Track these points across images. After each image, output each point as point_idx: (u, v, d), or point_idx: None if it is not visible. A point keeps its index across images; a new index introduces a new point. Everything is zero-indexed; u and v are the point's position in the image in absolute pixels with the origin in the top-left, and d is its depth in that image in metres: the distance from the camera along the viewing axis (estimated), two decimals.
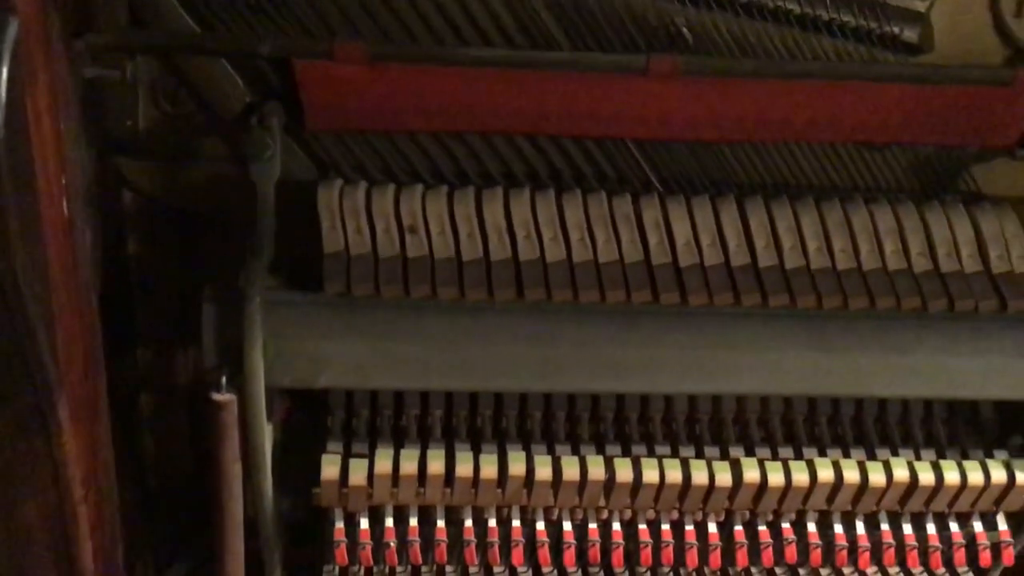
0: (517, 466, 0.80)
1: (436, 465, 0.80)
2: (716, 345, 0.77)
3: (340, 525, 0.81)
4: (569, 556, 0.83)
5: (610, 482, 0.81)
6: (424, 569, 0.84)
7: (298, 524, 0.87)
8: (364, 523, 0.81)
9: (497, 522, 0.82)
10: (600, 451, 0.82)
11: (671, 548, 0.83)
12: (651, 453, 0.82)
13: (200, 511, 0.85)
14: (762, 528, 0.84)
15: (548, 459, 0.81)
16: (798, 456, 0.83)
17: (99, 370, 0.60)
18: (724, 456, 0.82)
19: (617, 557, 0.83)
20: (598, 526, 0.83)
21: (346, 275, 0.75)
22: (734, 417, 0.84)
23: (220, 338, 0.74)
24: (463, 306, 0.76)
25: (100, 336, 0.60)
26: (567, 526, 0.83)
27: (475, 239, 0.77)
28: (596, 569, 0.85)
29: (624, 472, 0.80)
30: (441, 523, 0.82)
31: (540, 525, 0.83)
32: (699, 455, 0.82)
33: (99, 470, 0.61)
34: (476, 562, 0.83)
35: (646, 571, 0.85)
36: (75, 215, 0.55)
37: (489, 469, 0.80)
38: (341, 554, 0.81)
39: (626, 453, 0.82)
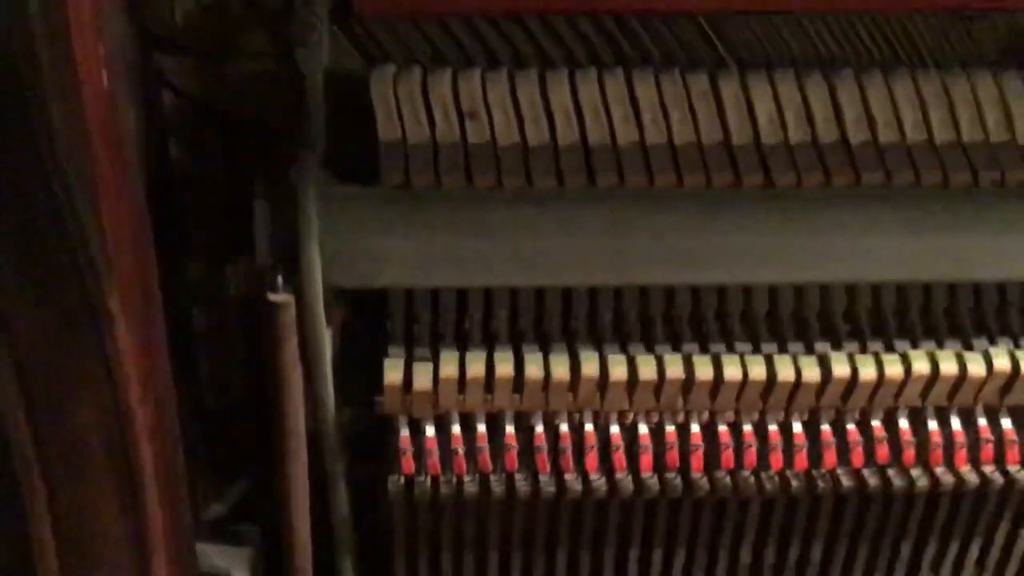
0: (589, 367, 0.76)
1: (504, 368, 0.75)
2: (803, 230, 0.71)
3: (405, 433, 0.77)
4: (645, 461, 0.78)
5: (689, 381, 0.76)
6: (493, 477, 0.80)
7: (360, 436, 0.83)
8: (430, 431, 0.77)
9: (569, 428, 0.78)
10: (677, 349, 0.78)
11: (753, 450, 0.79)
12: (731, 351, 0.78)
13: (258, 429, 0.82)
14: (850, 427, 0.79)
15: (622, 359, 0.76)
16: (889, 349, 0.77)
17: (150, 263, 0.56)
18: (809, 352, 0.77)
19: (696, 461, 0.78)
20: (676, 429, 0.78)
21: (404, 165, 0.70)
22: (819, 311, 0.79)
23: (274, 237, 0.70)
24: (529, 195, 0.71)
25: (150, 227, 0.56)
26: (643, 430, 0.78)
27: (540, 124, 0.71)
28: (673, 475, 0.80)
29: (704, 370, 0.76)
30: (510, 429, 0.78)
31: (614, 429, 0.78)
32: (782, 351, 0.78)
33: (156, 372, 0.57)
34: (548, 469, 0.79)
35: (726, 475, 0.80)
36: (117, 90, 0.51)
37: (560, 371, 0.75)
38: (407, 463, 0.77)
39: (704, 351, 0.78)
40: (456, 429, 0.77)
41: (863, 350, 0.77)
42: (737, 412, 0.78)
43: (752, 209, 0.71)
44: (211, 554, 0.87)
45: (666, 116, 0.71)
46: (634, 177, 0.70)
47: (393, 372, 0.75)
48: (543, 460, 0.78)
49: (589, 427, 0.78)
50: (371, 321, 0.80)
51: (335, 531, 0.85)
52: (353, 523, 0.86)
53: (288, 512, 0.79)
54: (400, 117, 0.71)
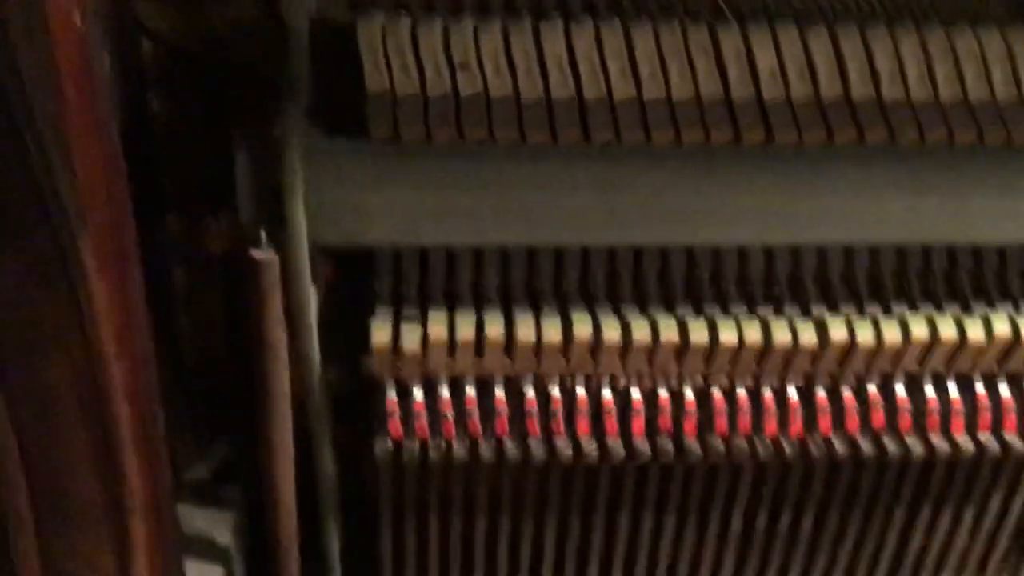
0: (582, 329, 0.74)
1: (494, 330, 0.73)
2: (804, 190, 0.69)
3: (392, 396, 0.75)
4: (638, 425, 0.77)
5: (683, 345, 0.74)
6: (482, 442, 0.78)
7: (346, 397, 0.81)
8: (418, 393, 0.75)
9: (560, 391, 0.76)
10: (671, 312, 0.76)
11: (748, 416, 0.77)
12: (726, 314, 0.76)
13: (240, 389, 0.79)
14: (846, 393, 0.77)
15: (616, 321, 0.74)
16: (887, 314, 0.76)
17: (126, 215, 0.54)
18: (806, 315, 0.76)
19: (690, 426, 0.77)
20: (669, 394, 0.77)
21: (393, 118, 0.68)
22: (816, 274, 0.77)
23: (256, 191, 0.67)
24: (522, 151, 0.68)
25: (125, 178, 0.53)
26: (636, 394, 0.77)
27: (534, 76, 0.69)
28: (666, 440, 0.79)
29: (698, 333, 0.74)
30: (500, 393, 0.76)
31: (606, 393, 0.77)
32: (778, 315, 0.76)
33: (133, 328, 0.55)
34: (538, 434, 0.77)
35: (719, 441, 0.79)
36: (90, 33, 0.48)
37: (552, 333, 0.74)
38: (394, 426, 0.75)
39: (699, 314, 0.76)
40: (445, 392, 0.75)
41: (861, 314, 0.76)
42: (731, 377, 0.77)
43: (751, 167, 0.69)
44: (193, 517, 0.86)
45: (664, 70, 0.69)
46: (630, 133, 0.68)
47: (380, 333, 0.73)
48: (533, 424, 0.76)
49: (581, 391, 0.76)
50: (358, 279, 0.78)
51: (320, 494, 0.83)
52: (339, 486, 0.84)
53: (272, 475, 0.77)
54: (388, 68, 0.69)
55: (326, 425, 0.79)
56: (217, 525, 0.85)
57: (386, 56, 0.69)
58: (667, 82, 0.69)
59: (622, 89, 0.69)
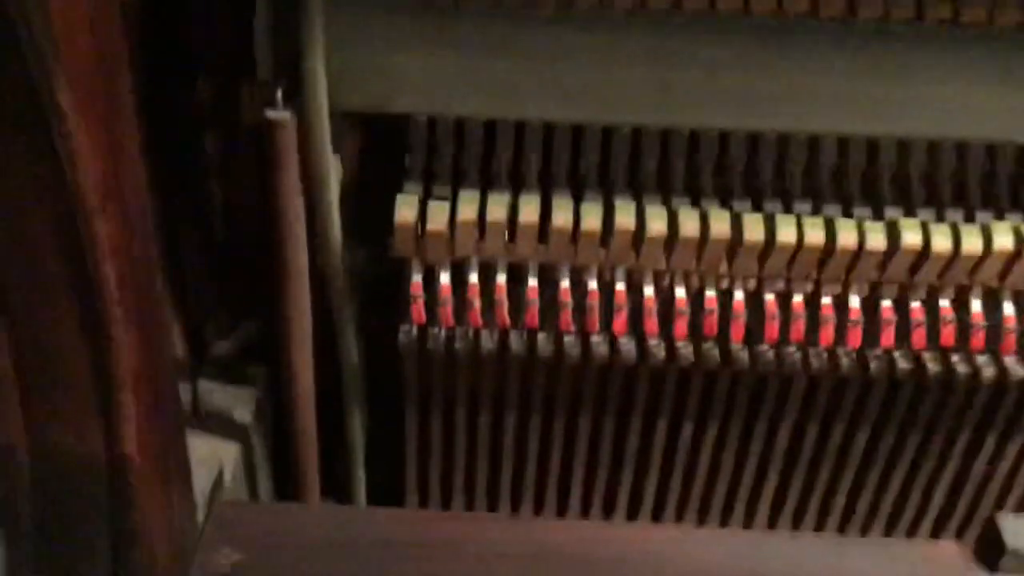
0: (625, 218, 0.67)
1: (529, 212, 0.67)
2: (887, 74, 0.61)
3: (418, 279, 0.70)
4: (681, 327, 0.71)
5: (736, 242, 0.68)
6: (513, 334, 0.73)
7: (377, 281, 0.76)
8: (445, 278, 0.70)
9: (598, 285, 0.70)
10: (726, 205, 0.69)
11: (802, 324, 0.71)
12: (788, 210, 0.69)
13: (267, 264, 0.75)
14: (915, 305, 0.70)
15: (663, 211, 0.68)
16: (970, 220, 0.68)
17: (116, 53, 0.48)
18: (878, 217, 0.68)
19: (737, 330, 0.71)
20: (717, 295, 0.70)
21: None
22: (894, 172, 0.69)
23: (276, 48, 0.62)
24: (570, 15, 0.61)
25: (117, 12, 0.48)
26: (680, 293, 0.70)
27: None
28: (710, 344, 0.73)
29: (753, 230, 0.67)
30: (533, 282, 0.70)
31: (648, 290, 0.71)
32: (846, 215, 0.68)
33: (122, 179, 0.50)
34: (572, 329, 0.71)
35: (770, 349, 0.72)
36: None
37: (591, 220, 0.67)
38: (418, 311, 0.71)
39: (757, 209, 0.69)
40: (474, 278, 0.70)
41: (939, 220, 0.68)
42: (788, 280, 0.70)
43: (828, 46, 0.61)
44: (215, 393, 0.83)
45: None
46: None
47: (406, 209, 0.68)
48: (567, 318, 0.71)
49: (621, 286, 0.70)
50: (391, 153, 0.72)
51: (344, 380, 0.79)
52: (368, 374, 0.80)
53: (289, 353, 0.73)
54: None
55: (351, 308, 0.74)
56: (238, 402, 0.82)
57: None
58: None
59: None
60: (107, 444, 0.56)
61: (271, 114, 0.61)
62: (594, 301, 0.70)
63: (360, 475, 0.85)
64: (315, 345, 0.75)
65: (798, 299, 0.70)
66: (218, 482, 0.75)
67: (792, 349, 0.72)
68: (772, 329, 0.70)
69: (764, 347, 0.73)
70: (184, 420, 0.65)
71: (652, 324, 0.71)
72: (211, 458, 0.76)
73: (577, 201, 0.68)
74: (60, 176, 0.47)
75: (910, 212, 0.68)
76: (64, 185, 0.47)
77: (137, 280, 0.54)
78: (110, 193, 0.50)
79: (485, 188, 0.69)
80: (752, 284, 0.71)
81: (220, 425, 0.80)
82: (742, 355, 0.73)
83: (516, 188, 0.69)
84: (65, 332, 0.53)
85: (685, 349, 0.73)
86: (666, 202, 0.69)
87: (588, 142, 0.69)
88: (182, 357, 0.82)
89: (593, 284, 0.70)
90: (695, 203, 0.69)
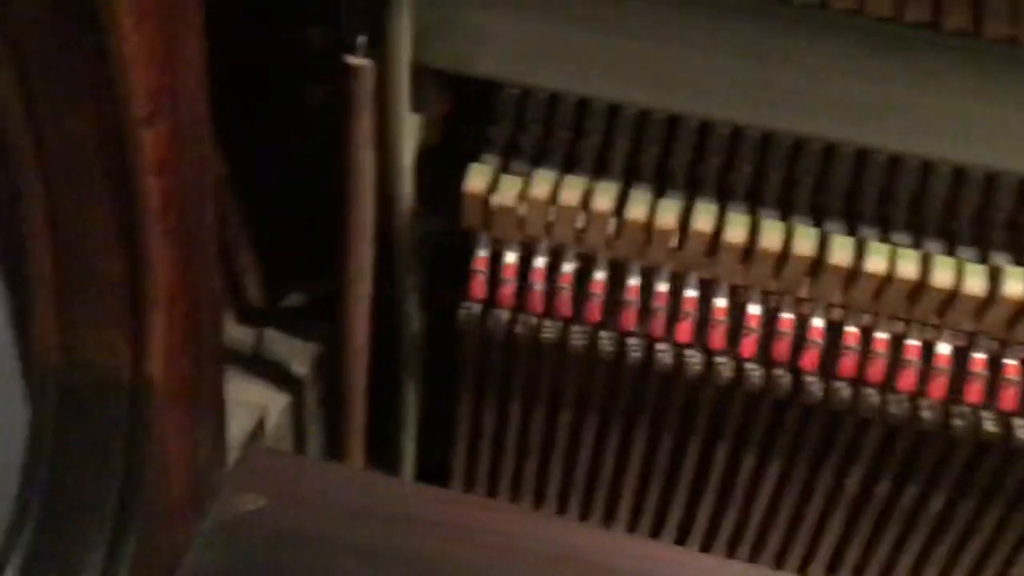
0: (704, 220, 0.63)
1: (604, 200, 0.64)
2: (1018, 101, 0.55)
3: (483, 254, 0.68)
4: (749, 344, 0.66)
5: (820, 262, 0.63)
6: (575, 327, 0.69)
7: (446, 253, 0.74)
8: (511, 257, 0.68)
9: (668, 288, 0.67)
10: (817, 223, 0.64)
11: (883, 363, 0.65)
12: (884, 238, 0.63)
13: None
14: (1010, 362, 0.64)
15: (745, 218, 0.63)
16: None
17: None
18: (982, 260, 0.62)
19: (810, 358, 0.66)
20: (794, 317, 0.66)
21: None
22: (1009, 214, 0.63)
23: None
24: None
25: None
26: (753, 309, 0.66)
27: None
28: (781, 371, 0.68)
29: (841, 253, 0.62)
30: (601, 275, 0.67)
31: (720, 302, 0.66)
32: (950, 253, 0.63)
33: (176, 92, 0.49)
34: (635, 329, 0.68)
35: (846, 386, 0.67)
36: None
37: (667, 217, 0.64)
38: (479, 286, 0.68)
39: (851, 233, 0.64)
40: (541, 261, 0.67)
41: None
42: (875, 315, 0.65)
43: (951, 62, 0.56)
44: (275, 342, 0.82)
45: None
46: None
47: (478, 179, 0.65)
48: (630, 317, 0.67)
49: (691, 292, 0.66)
50: (477, 119, 0.69)
51: (402, 350, 0.77)
52: (428, 348, 0.78)
53: (345, 313, 0.72)
54: None
55: (415, 274, 0.73)
56: (296, 355, 0.82)
57: None
58: None
59: None
60: (133, 362, 0.56)
61: (350, 60, 0.60)
62: (661, 304, 0.66)
63: (408, 449, 0.84)
64: (376, 310, 0.73)
65: (882, 336, 0.65)
66: (258, 428, 0.74)
67: (870, 390, 0.67)
68: (849, 364, 0.65)
69: (840, 383, 0.67)
70: (223, 354, 0.64)
71: (719, 338, 0.66)
72: (257, 403, 0.76)
73: (657, 195, 0.64)
74: (107, 80, 0.46)
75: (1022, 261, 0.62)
76: (111, 90, 0.46)
77: (184, 200, 0.53)
78: (160, 105, 0.49)
79: (565, 170, 0.66)
80: (834, 313, 0.65)
81: (275, 374, 0.80)
82: (815, 388, 0.68)
83: (598, 174, 0.66)
84: (104, 241, 0.52)
85: (755, 371, 0.68)
86: (752, 211, 0.64)
87: (681, 136, 0.65)
88: (253, 299, 0.82)
89: (663, 287, 0.66)
90: (785, 217, 0.64)
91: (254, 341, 0.83)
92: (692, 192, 0.65)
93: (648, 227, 0.63)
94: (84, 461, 0.58)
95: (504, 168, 0.67)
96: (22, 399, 0.61)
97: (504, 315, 0.70)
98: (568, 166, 0.67)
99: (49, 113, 0.49)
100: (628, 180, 0.66)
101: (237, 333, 0.81)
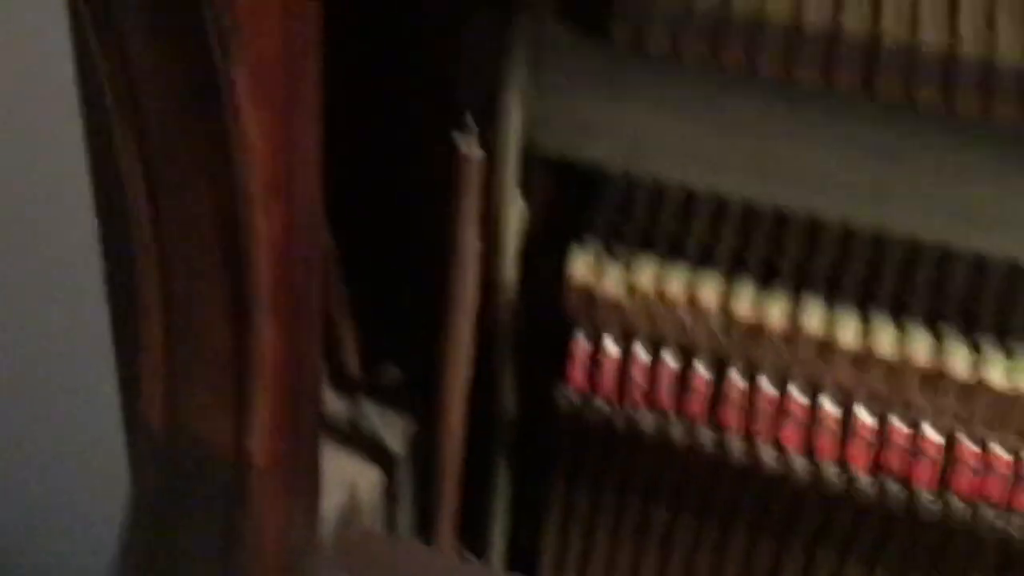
0: (812, 320, 0.61)
1: (710, 294, 0.62)
2: None
3: (583, 341, 0.67)
4: (860, 452, 0.63)
5: (938, 373, 0.60)
6: (672, 419, 0.67)
7: (544, 333, 0.73)
8: (612, 346, 0.66)
9: (779, 388, 0.64)
10: (934, 332, 0.61)
11: (1002, 482, 0.61)
12: (1009, 354, 0.60)
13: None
14: None
15: (856, 323, 0.61)
16: None
17: (308, 46, 0.48)
18: None
19: (924, 473, 0.62)
20: (907, 426, 0.62)
21: (644, 20, 0.58)
22: None
23: (477, 74, 0.61)
24: (795, 91, 0.57)
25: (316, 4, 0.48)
26: (866, 418, 0.63)
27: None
28: (895, 485, 0.64)
29: (959, 365, 0.59)
30: (704, 369, 0.65)
31: (830, 407, 0.63)
32: None
33: (292, 176, 0.50)
34: (736, 429, 0.65)
35: (967, 508, 0.63)
36: None
37: (775, 315, 0.62)
38: (579, 375, 0.67)
39: (973, 351, 0.60)
40: (641, 352, 0.66)
41: None
42: (998, 429, 0.61)
43: None
44: (371, 414, 0.82)
45: (992, 23, 0.54)
46: (926, 91, 0.54)
47: (581, 263, 0.64)
48: (733, 417, 0.65)
49: (801, 398, 0.63)
50: (579, 201, 0.69)
51: (496, 432, 0.76)
52: (522, 430, 0.77)
53: (441, 394, 0.71)
54: None
55: (513, 357, 0.72)
56: (391, 431, 0.81)
57: None
58: (992, 39, 0.54)
59: (933, 35, 0.54)
60: (235, 435, 0.56)
61: (459, 138, 0.60)
62: (767, 405, 0.64)
63: (499, 531, 0.82)
64: (471, 391, 0.72)
65: (1005, 456, 0.61)
66: (351, 504, 0.74)
67: (988, 509, 0.63)
68: (965, 480, 0.61)
69: (958, 501, 0.64)
70: (320, 431, 0.64)
71: (827, 446, 0.64)
72: (350, 479, 0.75)
73: (764, 290, 0.62)
74: (224, 155, 0.47)
75: None
76: (229, 173, 0.47)
77: (294, 279, 0.54)
78: (276, 187, 0.49)
79: (670, 259, 0.65)
80: (955, 427, 0.62)
81: (369, 449, 0.79)
82: (930, 503, 0.64)
83: (703, 263, 0.64)
84: (213, 316, 0.53)
85: (866, 482, 0.65)
86: (864, 315, 0.61)
87: (791, 230, 0.63)
88: (349, 370, 0.82)
89: (771, 388, 0.64)
90: (900, 326, 0.61)
91: (349, 414, 0.83)
92: (798, 288, 0.63)
93: (756, 324, 0.61)
94: (181, 532, 0.58)
95: (607, 254, 0.66)
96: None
97: (602, 404, 0.69)
98: (673, 255, 0.65)
99: (168, 188, 0.50)
100: (734, 272, 0.64)
101: (332, 404, 0.81)
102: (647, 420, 0.68)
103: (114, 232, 0.54)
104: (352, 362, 0.82)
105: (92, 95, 0.51)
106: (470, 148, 0.61)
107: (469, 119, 0.60)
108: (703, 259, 0.64)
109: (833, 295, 0.62)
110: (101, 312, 0.61)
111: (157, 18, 0.44)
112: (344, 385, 0.82)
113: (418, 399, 0.84)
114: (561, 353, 0.69)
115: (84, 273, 0.70)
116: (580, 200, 0.67)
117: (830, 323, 0.61)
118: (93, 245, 0.58)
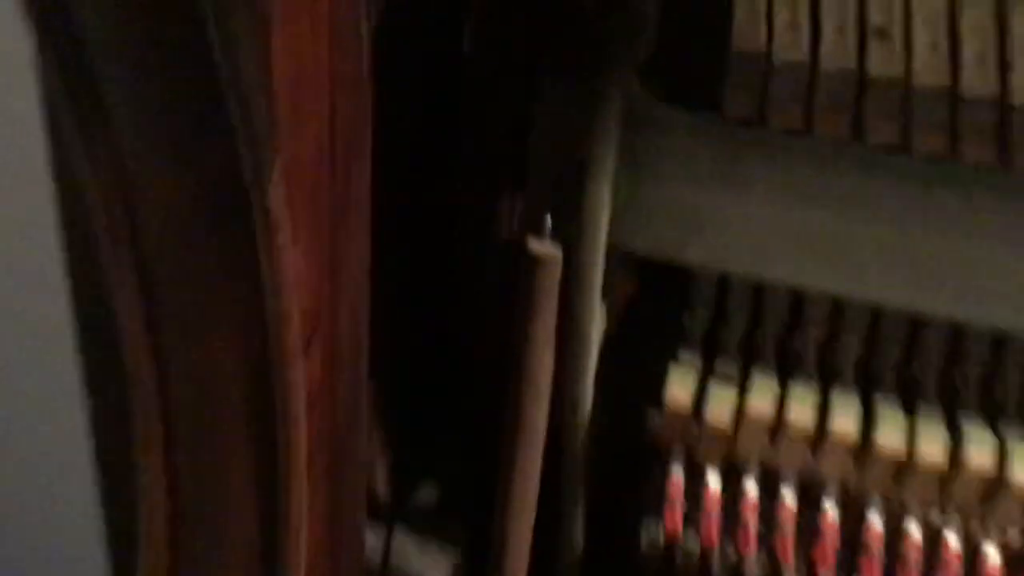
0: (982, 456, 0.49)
1: (843, 422, 0.51)
2: None
3: (679, 476, 0.55)
4: None
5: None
6: (788, 566, 0.55)
7: (619, 457, 0.61)
8: (715, 482, 0.54)
9: (924, 530, 0.52)
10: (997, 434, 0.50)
11: None
12: None
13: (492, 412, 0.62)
14: None
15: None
16: None
17: (358, 158, 0.37)
18: None
19: None
20: (1000, 554, 0.51)
21: (760, 92, 0.47)
22: None
23: (554, 164, 0.49)
24: (914, 177, 0.45)
25: (366, 110, 0.37)
26: (953, 542, 0.51)
27: (987, 62, 0.45)
28: None
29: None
30: (832, 507, 0.53)
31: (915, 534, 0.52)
32: None
33: (338, 308, 0.38)
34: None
35: None
36: None
37: (937, 449, 0.50)
38: (673, 517, 0.55)
39: None
40: (752, 489, 0.53)
41: None
42: None
43: None
44: (409, 551, 0.70)
45: None
46: None
47: (679, 387, 0.53)
48: (871, 568, 0.53)
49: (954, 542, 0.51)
50: (668, 306, 0.57)
51: (560, 563, 0.64)
52: (592, 562, 0.65)
53: (504, 526, 0.59)
54: (769, 22, 0.48)
55: (583, 481, 0.60)
56: (434, 565, 0.69)
57: (769, 5, 0.48)
58: None
59: None
60: None
61: (534, 244, 0.48)
62: (914, 553, 0.52)
63: None
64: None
65: None
66: None
67: None
68: None
69: None
70: None
71: None
72: None
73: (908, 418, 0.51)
74: (257, 302, 0.35)
75: None
76: (261, 314, 0.35)
77: (336, 437, 0.42)
78: (317, 332, 0.38)
79: (785, 373, 0.53)
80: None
81: None
82: None
83: (826, 379, 0.53)
84: (233, 497, 0.41)
85: None
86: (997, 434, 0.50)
87: (931, 339, 0.52)
88: (380, 496, 0.70)
89: (915, 529, 0.52)
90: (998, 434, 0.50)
91: (382, 546, 0.70)
92: (955, 413, 0.51)
93: (905, 459, 0.50)
94: None
95: (706, 370, 0.54)
96: None
97: (697, 548, 0.56)
98: (782, 368, 0.54)
99: (175, 343, 0.38)
100: (870, 392, 0.52)
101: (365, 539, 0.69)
102: (754, 569, 0.56)
103: (106, 401, 0.42)
104: (382, 484, 0.70)
105: (75, 222, 0.39)
106: (544, 247, 0.49)
107: (541, 209, 0.48)
108: (828, 377, 0.53)
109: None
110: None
111: (160, 120, 0.32)
112: (374, 510, 0.70)
113: (458, 523, 0.72)
114: (645, 488, 0.57)
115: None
116: (669, 305, 0.55)
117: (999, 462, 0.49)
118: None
